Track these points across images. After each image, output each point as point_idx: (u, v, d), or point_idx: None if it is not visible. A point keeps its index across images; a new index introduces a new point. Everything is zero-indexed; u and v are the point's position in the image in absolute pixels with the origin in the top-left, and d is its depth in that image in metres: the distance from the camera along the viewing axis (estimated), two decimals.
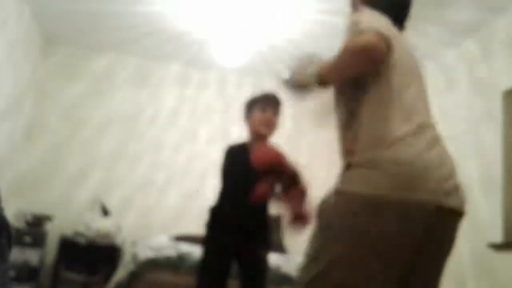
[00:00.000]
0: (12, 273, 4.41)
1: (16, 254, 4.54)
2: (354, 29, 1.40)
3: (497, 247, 3.31)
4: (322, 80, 1.47)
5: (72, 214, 5.04)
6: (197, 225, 5.28)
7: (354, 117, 1.43)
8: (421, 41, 4.44)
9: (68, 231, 4.91)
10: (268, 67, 5.41)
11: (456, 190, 1.38)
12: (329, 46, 4.80)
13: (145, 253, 3.89)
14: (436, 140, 1.41)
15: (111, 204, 5.11)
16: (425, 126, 1.41)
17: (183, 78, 5.68)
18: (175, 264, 3.87)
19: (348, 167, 1.42)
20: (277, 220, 5.19)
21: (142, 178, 5.31)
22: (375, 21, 1.40)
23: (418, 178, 1.31)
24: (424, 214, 1.31)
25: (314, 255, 1.38)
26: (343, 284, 1.31)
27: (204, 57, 5.38)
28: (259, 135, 2.45)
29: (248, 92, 5.45)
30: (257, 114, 2.43)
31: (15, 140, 4.94)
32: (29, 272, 4.53)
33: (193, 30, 4.76)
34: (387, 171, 1.32)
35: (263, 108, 2.43)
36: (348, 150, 1.44)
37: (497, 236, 3.36)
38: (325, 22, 4.34)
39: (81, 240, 4.66)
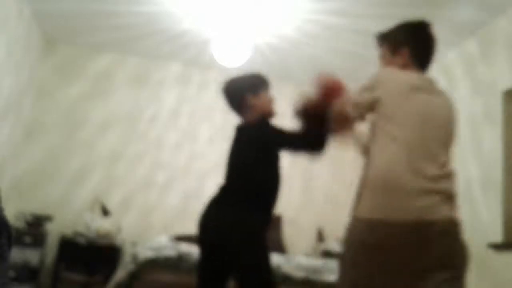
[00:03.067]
0: (12, 273, 4.41)
1: (16, 254, 4.54)
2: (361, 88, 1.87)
3: (497, 247, 3.31)
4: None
5: (72, 214, 5.04)
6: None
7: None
8: None
9: (68, 231, 4.92)
10: (268, 67, 5.41)
11: None
12: (327, 46, 4.81)
13: (145, 253, 3.89)
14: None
15: (111, 204, 5.11)
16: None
17: (183, 78, 5.68)
18: (175, 264, 3.87)
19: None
20: (277, 220, 5.19)
21: (142, 178, 5.31)
22: (373, 87, 1.83)
23: None
24: None
25: None
26: None
27: (204, 57, 5.38)
28: (272, 114, 2.41)
29: None
30: (264, 95, 2.37)
31: (15, 140, 4.94)
32: (29, 272, 4.53)
33: (193, 30, 4.77)
34: None
35: (266, 88, 2.39)
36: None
37: (497, 236, 3.36)
38: (324, 22, 4.34)
39: (81, 240, 4.66)
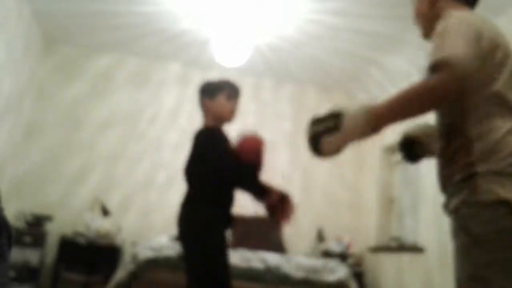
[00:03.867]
0: (12, 273, 4.41)
1: (16, 254, 4.54)
2: (438, 46, 1.35)
3: None
4: (376, 123, 1.35)
5: (72, 214, 5.04)
6: None
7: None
8: (422, 40, 4.43)
9: (68, 231, 4.91)
10: (268, 67, 5.41)
11: None
12: (328, 46, 4.81)
13: (145, 253, 3.89)
14: None
15: (111, 204, 5.10)
16: None
17: (183, 78, 5.68)
18: (175, 264, 3.87)
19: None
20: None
21: (142, 178, 5.30)
22: (461, 36, 1.35)
23: None
24: None
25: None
26: None
27: (204, 57, 5.38)
28: (224, 122, 2.43)
29: (248, 92, 5.46)
30: (223, 101, 2.40)
31: (15, 140, 4.94)
32: (29, 272, 4.53)
33: (193, 29, 4.77)
34: None
35: (229, 96, 2.42)
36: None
37: None
38: (324, 22, 4.34)
39: (81, 240, 4.67)
